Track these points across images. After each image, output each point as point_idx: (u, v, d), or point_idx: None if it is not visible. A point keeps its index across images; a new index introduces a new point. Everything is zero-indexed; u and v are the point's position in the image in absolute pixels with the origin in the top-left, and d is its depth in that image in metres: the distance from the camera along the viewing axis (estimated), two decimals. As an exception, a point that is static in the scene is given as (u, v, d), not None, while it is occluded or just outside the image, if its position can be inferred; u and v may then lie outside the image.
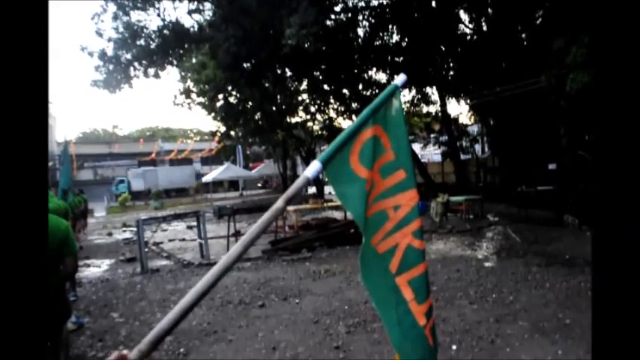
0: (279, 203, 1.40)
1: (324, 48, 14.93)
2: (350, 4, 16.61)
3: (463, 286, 5.88)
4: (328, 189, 26.70)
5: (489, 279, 6.17)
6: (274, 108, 23.20)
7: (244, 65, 18.60)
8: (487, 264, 7.21)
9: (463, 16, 17.55)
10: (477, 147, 23.48)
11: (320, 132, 26.05)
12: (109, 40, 18.74)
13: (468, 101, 19.03)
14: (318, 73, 19.82)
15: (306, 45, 12.94)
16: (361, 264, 1.52)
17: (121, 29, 18.40)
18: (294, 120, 25.75)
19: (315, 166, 1.44)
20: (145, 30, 18.87)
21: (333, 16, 15.90)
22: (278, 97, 22.55)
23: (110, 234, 14.99)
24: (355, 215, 1.52)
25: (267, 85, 20.88)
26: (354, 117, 22.06)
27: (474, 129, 24.06)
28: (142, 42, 18.93)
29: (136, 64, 19.44)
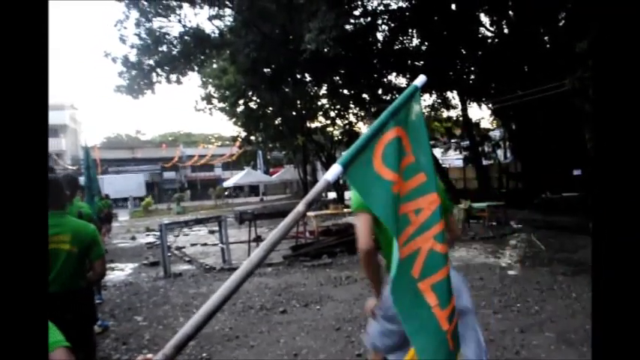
0: (300, 207, 1.40)
1: (343, 52, 14.93)
2: (369, 8, 16.62)
3: (487, 295, 5.79)
4: (348, 194, 26.68)
5: (513, 288, 6.07)
6: (294, 113, 23.33)
7: (264, 70, 18.77)
8: (511, 272, 7.09)
9: (484, 18, 17.40)
10: (499, 152, 23.19)
11: (340, 137, 26.05)
12: (132, 46, 19.13)
13: (490, 105, 18.81)
14: (337, 77, 19.85)
15: (325, 49, 12.98)
16: (390, 269, 1.51)
17: (143, 35, 18.77)
18: (313, 125, 25.84)
19: (335, 169, 1.43)
20: (166, 36, 19.21)
21: (352, 21, 15.92)
22: (298, 101, 22.66)
23: (134, 238, 15.25)
24: (383, 218, 1.50)
25: (286, 90, 21.00)
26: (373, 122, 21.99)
27: (496, 134, 23.78)
28: (163, 48, 19.29)
29: (158, 69, 19.81)
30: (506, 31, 16.94)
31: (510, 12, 16.13)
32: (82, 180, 7.21)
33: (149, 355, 1.07)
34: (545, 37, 15.86)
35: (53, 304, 2.85)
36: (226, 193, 36.38)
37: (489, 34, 17.59)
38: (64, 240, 3.01)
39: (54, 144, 43.68)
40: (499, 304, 5.41)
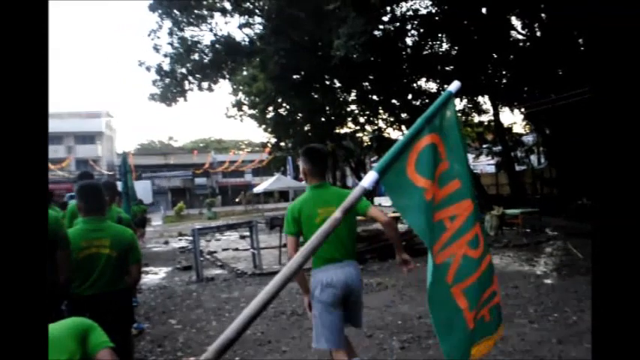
0: (337, 214, 1.42)
1: (372, 58, 14.94)
2: (398, 14, 16.57)
3: (522, 304, 5.64)
4: (378, 201, 26.48)
5: (550, 297, 5.90)
6: (323, 119, 23.40)
7: (294, 77, 18.95)
8: (547, 281, 6.90)
9: (515, 22, 17.08)
10: (533, 157, 22.63)
11: (369, 143, 25.98)
12: (165, 55, 19.64)
13: (522, 110, 18.41)
14: (366, 83, 19.85)
15: (354, 55, 13.02)
16: (428, 275, 1.54)
17: (176, 44, 19.26)
18: (343, 131, 25.85)
19: (371, 176, 1.43)
20: (198, 45, 19.66)
21: (381, 26, 15.91)
22: (327, 108, 22.73)
23: (167, 242, 15.59)
24: (414, 226, 1.52)
25: (316, 96, 21.11)
26: (403, 127, 21.87)
27: (529, 139, 23.23)
28: (195, 56, 19.74)
29: (190, 77, 20.27)
30: (538, 34, 16.57)
31: (542, 14, 15.77)
32: (119, 185, 7.42)
33: (192, 359, 1.10)
34: (579, 40, 15.44)
35: (93, 305, 2.97)
36: (237, 199, 36.82)
37: (521, 37, 17.25)
38: (104, 244, 3.12)
39: (90, 150, 45.18)
40: (535, 313, 5.27)
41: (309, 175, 3.14)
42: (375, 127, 24.93)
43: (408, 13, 16.77)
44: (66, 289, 3.01)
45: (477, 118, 22.33)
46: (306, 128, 25.04)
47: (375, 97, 21.11)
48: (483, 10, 15.70)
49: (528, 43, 16.82)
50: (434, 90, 19.42)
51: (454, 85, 1.67)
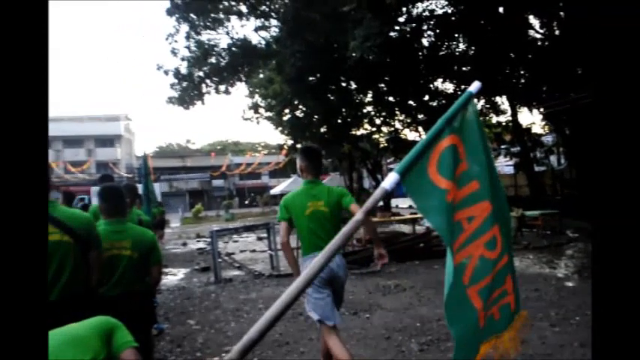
0: (359, 215, 1.43)
1: (388, 59, 14.87)
2: (414, 14, 16.48)
3: (543, 307, 5.57)
4: (395, 202, 26.37)
5: (571, 300, 5.80)
6: (339, 121, 23.37)
7: (310, 79, 18.96)
8: (568, 283, 6.79)
9: (533, 21, 16.85)
10: (552, 158, 22.27)
11: (386, 144, 25.86)
12: (183, 58, 19.86)
13: (541, 110, 18.13)
14: (382, 84, 19.77)
15: (370, 57, 12.98)
16: (445, 275, 1.55)
17: (193, 48, 19.45)
18: (359, 132, 25.78)
19: (392, 177, 1.44)
20: (215, 48, 19.82)
21: (397, 27, 15.84)
22: (343, 109, 22.70)
23: (185, 244, 15.75)
24: (436, 227, 1.53)
25: (332, 97, 21.11)
26: (420, 129, 21.72)
27: (549, 139, 22.88)
28: (212, 60, 19.90)
29: (207, 81, 20.44)
30: (557, 32, 16.31)
31: (561, 13, 15.52)
32: (139, 188, 7.53)
33: (215, 359, 1.12)
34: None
35: (115, 306, 3.01)
36: (246, 202, 36.85)
37: (539, 36, 17.00)
38: (125, 246, 3.17)
39: (110, 153, 45.94)
40: (556, 316, 5.19)
41: (304, 170, 3.48)
42: (392, 129, 24.81)
43: (424, 14, 16.67)
44: (97, 290, 3.07)
45: (495, 119, 22.10)
46: (322, 130, 25.01)
47: (391, 99, 21.01)
48: (500, 10, 15.53)
49: (547, 42, 16.57)
50: (451, 91, 19.27)
51: (474, 86, 1.67)
